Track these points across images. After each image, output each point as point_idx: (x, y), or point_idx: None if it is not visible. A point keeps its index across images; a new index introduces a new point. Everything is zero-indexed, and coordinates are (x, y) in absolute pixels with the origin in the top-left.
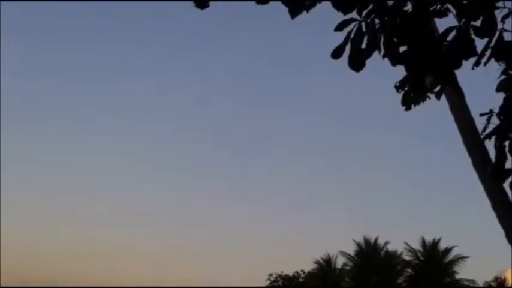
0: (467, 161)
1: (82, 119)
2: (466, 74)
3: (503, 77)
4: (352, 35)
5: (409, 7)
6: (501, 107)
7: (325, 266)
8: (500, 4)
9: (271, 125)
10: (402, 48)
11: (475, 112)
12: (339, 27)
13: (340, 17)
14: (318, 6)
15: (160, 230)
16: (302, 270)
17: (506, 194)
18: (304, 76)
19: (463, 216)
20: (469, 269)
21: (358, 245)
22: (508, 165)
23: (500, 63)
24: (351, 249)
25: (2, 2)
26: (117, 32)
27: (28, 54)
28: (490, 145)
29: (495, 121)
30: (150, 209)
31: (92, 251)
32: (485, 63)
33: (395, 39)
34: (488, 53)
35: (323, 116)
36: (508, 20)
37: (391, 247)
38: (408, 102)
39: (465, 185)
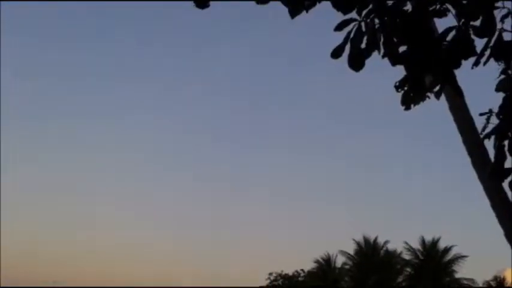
0: (467, 160)
1: (82, 119)
2: (466, 74)
3: (503, 76)
4: (351, 35)
5: (408, 7)
6: (500, 107)
7: (325, 265)
8: (499, 4)
9: (271, 124)
10: (402, 48)
11: (474, 112)
12: (339, 27)
13: (339, 17)
14: (318, 6)
15: (160, 230)
16: (302, 270)
17: (505, 193)
18: (304, 76)
19: (462, 216)
20: (468, 268)
21: (358, 244)
22: (507, 165)
23: (500, 63)
24: (351, 249)
25: (2, 2)
26: (117, 32)
27: (28, 54)
28: (489, 145)
29: (494, 121)
30: (150, 209)
31: (92, 251)
32: (485, 63)
33: (394, 39)
34: (487, 52)
35: (323, 116)
36: (507, 20)
37: (390, 246)
38: (408, 102)
39: (464, 185)
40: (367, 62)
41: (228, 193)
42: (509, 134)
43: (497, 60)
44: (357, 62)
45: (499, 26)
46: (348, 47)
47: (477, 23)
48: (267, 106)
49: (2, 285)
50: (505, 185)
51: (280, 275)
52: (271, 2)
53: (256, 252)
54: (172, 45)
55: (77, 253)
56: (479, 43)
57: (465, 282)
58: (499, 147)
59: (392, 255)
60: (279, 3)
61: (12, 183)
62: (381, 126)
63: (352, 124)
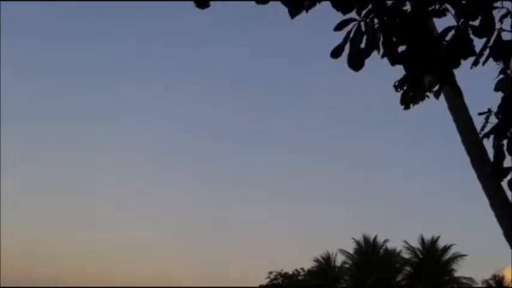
0: (466, 159)
1: (82, 119)
2: (465, 74)
3: (502, 76)
4: (351, 35)
5: (408, 7)
6: (499, 106)
7: (325, 264)
8: (498, 4)
9: (271, 124)
10: (401, 48)
11: (473, 111)
12: (339, 27)
13: (339, 16)
14: (318, 6)
15: (160, 230)
16: (302, 268)
17: (504, 193)
18: (304, 76)
19: (461, 215)
20: (467, 267)
21: (358, 243)
22: (506, 164)
23: (499, 62)
24: (351, 248)
25: (2, 2)
26: (117, 32)
27: (28, 54)
28: (488, 144)
29: (493, 120)
30: (150, 209)
31: (92, 251)
32: (484, 63)
33: (394, 39)
34: (486, 52)
35: (323, 116)
36: (506, 20)
37: (390, 245)
38: (407, 102)
39: (464, 184)
40: (367, 61)
41: (228, 193)
42: (508, 133)
43: (496, 60)
44: (356, 62)
45: (498, 25)
46: (347, 47)
47: (476, 22)
48: (267, 106)
49: (2, 285)
50: (504, 184)
51: (280, 273)
52: (271, 2)
53: (256, 252)
54: (172, 45)
55: (77, 253)
56: (478, 43)
57: (464, 281)
58: (498, 147)
59: (391, 254)
60: (279, 3)
61: (12, 183)
62: (380, 126)
63: (352, 124)
